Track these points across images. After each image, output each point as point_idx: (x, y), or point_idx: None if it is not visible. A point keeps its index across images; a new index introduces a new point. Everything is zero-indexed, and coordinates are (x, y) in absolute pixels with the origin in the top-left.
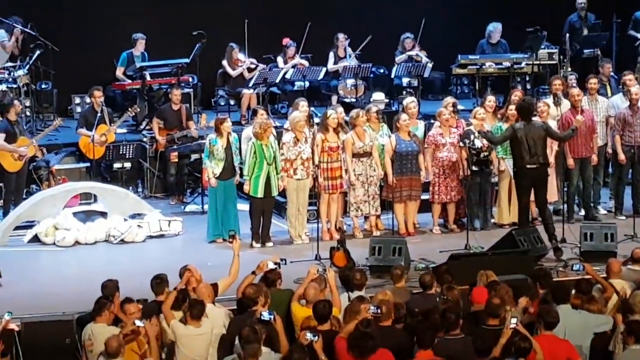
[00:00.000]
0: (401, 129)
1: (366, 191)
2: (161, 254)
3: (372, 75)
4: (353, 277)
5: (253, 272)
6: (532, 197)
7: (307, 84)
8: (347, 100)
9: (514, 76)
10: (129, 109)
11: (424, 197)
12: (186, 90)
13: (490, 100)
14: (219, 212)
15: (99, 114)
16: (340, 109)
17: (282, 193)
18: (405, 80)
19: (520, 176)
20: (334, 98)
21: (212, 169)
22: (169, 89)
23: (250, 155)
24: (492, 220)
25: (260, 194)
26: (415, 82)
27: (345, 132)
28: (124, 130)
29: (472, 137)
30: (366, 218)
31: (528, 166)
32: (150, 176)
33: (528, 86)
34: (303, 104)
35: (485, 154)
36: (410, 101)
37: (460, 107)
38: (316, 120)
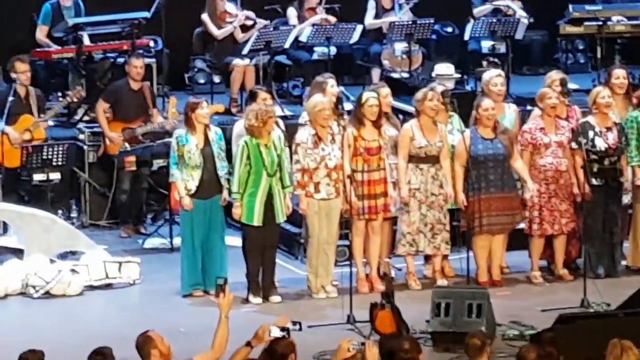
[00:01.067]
0: (481, 120)
1: (426, 217)
2: (107, 315)
3: (434, 37)
4: (400, 350)
5: (248, 343)
6: None
7: (333, 50)
8: (395, 75)
9: None
10: (69, 93)
11: (520, 226)
12: (146, 60)
13: (620, 75)
14: (196, 248)
15: (14, 98)
16: (386, 90)
17: (295, 220)
18: (486, 45)
19: None
20: (375, 72)
21: (185, 182)
22: (123, 58)
23: (241, 162)
24: (624, 263)
25: (257, 221)
26: (502, 48)
27: (393, 124)
28: (50, 123)
29: (591, 133)
30: (427, 258)
31: None
32: (91, 194)
33: None
34: (328, 82)
35: (613, 159)
36: (494, 76)
37: (572, 86)
38: (348, 107)
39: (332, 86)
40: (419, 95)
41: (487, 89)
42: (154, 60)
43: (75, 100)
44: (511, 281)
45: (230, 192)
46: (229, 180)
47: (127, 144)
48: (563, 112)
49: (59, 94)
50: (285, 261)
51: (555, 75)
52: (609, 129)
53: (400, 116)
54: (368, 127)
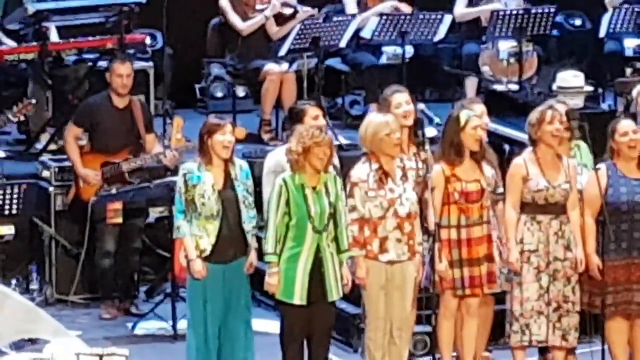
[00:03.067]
0: (620, 150)
1: (548, 291)
2: None
3: (556, 33)
4: None
5: None
6: None
7: (410, 51)
8: (499, 86)
9: None
10: (14, 108)
11: None
12: (140, 64)
13: None
14: (210, 336)
15: None
16: (480, 107)
17: (353, 295)
18: (632, 44)
19: None
20: (471, 83)
21: (196, 239)
22: (107, 61)
23: (277, 209)
24: None
25: (300, 299)
26: None
27: (487, 160)
28: (0, 154)
29: None
30: (543, 352)
31: None
32: (59, 256)
33: None
34: (399, 97)
35: None
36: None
37: None
38: (430, 132)
39: (399, 102)
40: (534, 116)
41: (633, 107)
42: (151, 64)
43: (20, 118)
44: None
45: (261, 255)
46: (258, 238)
47: (109, 186)
48: None
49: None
50: (340, 355)
51: None
52: None
53: (506, 147)
54: (466, 163)
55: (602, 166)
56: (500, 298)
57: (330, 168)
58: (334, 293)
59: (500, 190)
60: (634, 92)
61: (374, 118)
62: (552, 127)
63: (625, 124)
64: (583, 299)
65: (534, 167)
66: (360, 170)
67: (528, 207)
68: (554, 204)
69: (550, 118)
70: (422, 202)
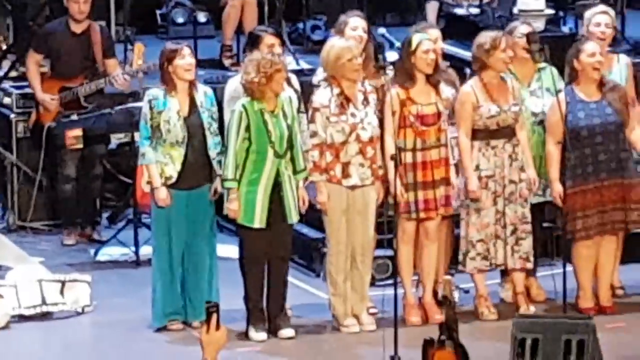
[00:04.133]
0: (583, 72)
1: (505, 215)
2: (43, 357)
3: None
4: None
5: None
6: None
7: None
8: (459, 10)
9: None
10: None
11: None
12: None
13: None
14: (175, 262)
15: None
16: (435, 32)
17: (314, 219)
18: None
19: None
20: (432, 7)
21: (161, 166)
22: None
23: (238, 135)
24: None
25: (260, 222)
26: None
27: (448, 81)
28: None
29: None
30: (505, 275)
31: None
32: (21, 183)
33: None
34: (354, 22)
35: None
36: (599, 12)
37: None
38: (391, 56)
39: (357, 25)
40: (484, 40)
41: (589, 30)
42: None
43: None
44: (627, 307)
45: (223, 180)
46: (222, 163)
47: (67, 111)
48: None
49: None
50: (301, 279)
51: None
52: None
53: (467, 70)
54: (420, 85)
55: (562, 91)
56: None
57: (286, 87)
58: (293, 215)
59: None
60: (587, 15)
61: (336, 42)
62: (504, 55)
63: (592, 46)
64: (556, 223)
65: (482, 93)
66: (322, 96)
67: (481, 133)
68: (506, 128)
69: (504, 45)
70: (381, 126)
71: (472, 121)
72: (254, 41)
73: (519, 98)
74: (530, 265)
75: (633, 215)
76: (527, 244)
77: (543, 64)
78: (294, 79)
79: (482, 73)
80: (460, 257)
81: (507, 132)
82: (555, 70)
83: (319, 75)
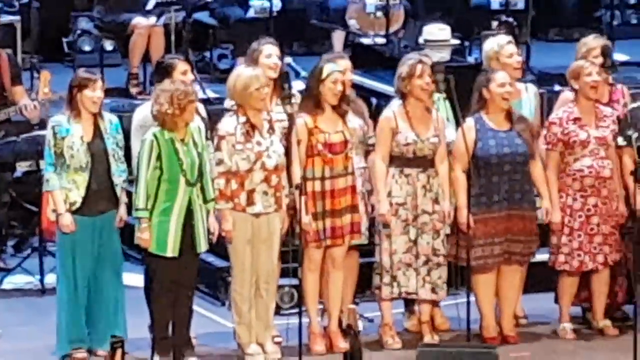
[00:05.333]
0: (492, 101)
1: (416, 244)
2: None
3: None
4: None
5: None
6: None
7: (277, 4)
8: (366, 40)
9: None
10: None
11: (540, 258)
12: (7, 17)
13: None
14: (79, 290)
15: None
16: (344, 62)
17: (219, 248)
18: None
19: None
20: (338, 36)
21: (65, 192)
22: None
23: (149, 164)
24: None
25: (172, 251)
26: (519, 2)
27: (356, 112)
28: None
29: None
30: (408, 304)
31: None
32: None
33: None
34: (268, 49)
35: None
36: (507, 43)
37: (619, 57)
38: (298, 85)
39: (268, 53)
40: (403, 70)
41: (495, 62)
42: (18, 18)
43: None
44: (531, 337)
45: (131, 209)
46: (128, 192)
47: None
48: (605, 95)
49: None
50: (207, 308)
51: (593, 41)
52: None
53: (373, 100)
54: (328, 114)
55: (470, 120)
56: (367, 251)
57: (196, 120)
58: (202, 244)
59: (372, 141)
60: (487, 45)
61: (244, 71)
62: (422, 81)
63: (502, 75)
64: (450, 251)
65: (403, 120)
66: (228, 124)
67: (397, 160)
68: (423, 158)
69: (420, 72)
70: (287, 154)
71: (389, 147)
72: (165, 70)
73: (441, 131)
74: (437, 297)
75: (532, 247)
76: (437, 275)
77: (437, 95)
78: (201, 108)
79: (405, 101)
80: (376, 283)
81: (422, 162)
82: (444, 100)
83: (230, 101)
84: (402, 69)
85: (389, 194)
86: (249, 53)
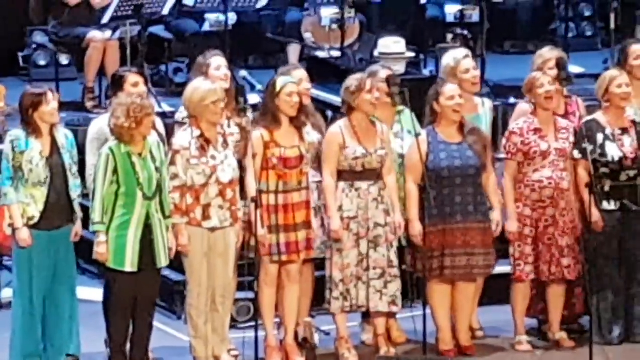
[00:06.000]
0: (443, 115)
1: (369, 257)
2: None
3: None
4: None
5: None
6: None
7: (233, 18)
8: (321, 53)
9: None
10: None
11: (496, 270)
12: None
13: None
14: (35, 304)
15: None
16: (300, 73)
17: (175, 263)
18: (452, 11)
19: None
20: (294, 50)
21: (23, 207)
22: None
23: (105, 179)
24: None
25: (131, 266)
26: (474, 14)
27: (315, 125)
28: None
29: (600, 137)
30: (365, 317)
31: None
32: None
33: None
34: (216, 61)
35: (632, 173)
36: (461, 56)
37: (574, 69)
38: (253, 99)
39: (220, 67)
40: (351, 84)
41: (452, 76)
42: None
43: None
44: (487, 349)
45: (86, 223)
46: (84, 206)
47: None
48: (560, 107)
49: None
50: (163, 322)
51: (548, 53)
52: (625, 130)
53: (329, 113)
54: (285, 128)
55: (423, 132)
56: (323, 264)
57: (153, 135)
58: (162, 259)
59: None
60: (446, 59)
61: (202, 84)
62: (370, 96)
63: (451, 88)
64: (417, 266)
65: (349, 135)
66: (182, 138)
67: (346, 175)
68: (372, 171)
69: (368, 86)
70: (241, 168)
71: (337, 162)
72: (117, 82)
73: (387, 142)
74: (396, 309)
75: (491, 260)
76: (394, 288)
77: (401, 107)
78: (158, 123)
79: (351, 115)
80: (327, 297)
81: (372, 175)
82: (411, 113)
83: (183, 112)
84: (351, 83)
85: (340, 208)
86: (196, 68)
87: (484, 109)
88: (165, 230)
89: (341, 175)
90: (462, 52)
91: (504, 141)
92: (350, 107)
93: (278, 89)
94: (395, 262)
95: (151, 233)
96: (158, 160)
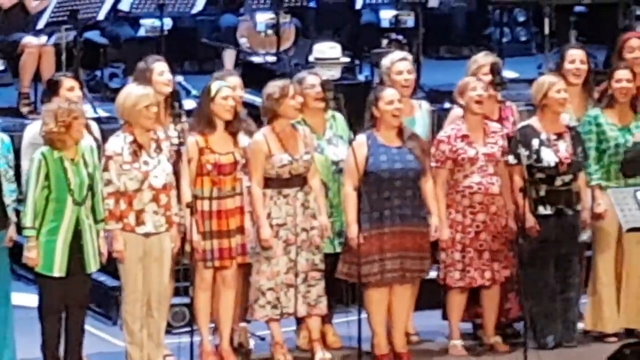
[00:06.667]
0: (383, 118)
1: (297, 263)
2: None
3: (313, 5)
4: None
5: None
6: None
7: (168, 23)
8: (256, 58)
9: (627, 4)
10: None
11: (434, 275)
12: None
13: (576, 59)
14: None
15: None
16: (234, 79)
17: (110, 268)
18: (387, 16)
19: None
20: (229, 55)
21: None
22: None
23: (37, 183)
24: (581, 326)
25: (59, 271)
26: (409, 20)
27: (247, 131)
28: None
29: (535, 142)
30: (300, 322)
31: None
32: None
33: None
34: (159, 67)
35: (567, 178)
36: (398, 60)
37: (508, 74)
38: (188, 104)
39: (159, 72)
40: (274, 90)
41: (387, 78)
42: None
43: None
44: (422, 353)
45: (21, 227)
46: (19, 211)
47: None
48: (494, 112)
49: None
50: (98, 327)
51: (482, 59)
52: (560, 135)
53: (264, 118)
54: (219, 133)
55: (361, 136)
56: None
57: (86, 135)
58: (92, 264)
59: None
60: (385, 62)
61: (134, 89)
62: (294, 102)
63: (390, 93)
64: (342, 269)
65: (274, 142)
66: (115, 144)
67: (273, 182)
68: (298, 176)
69: (292, 92)
70: (177, 173)
71: (264, 170)
72: (52, 88)
73: (311, 146)
74: (319, 311)
75: (426, 264)
76: (316, 290)
77: (332, 112)
78: (94, 127)
79: (274, 122)
80: (250, 304)
81: (299, 181)
82: (344, 118)
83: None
84: (274, 90)
85: (269, 216)
86: (138, 74)
87: (421, 111)
88: (95, 236)
89: (268, 183)
90: (401, 54)
91: (432, 150)
92: (274, 114)
93: (213, 93)
94: (320, 265)
95: (81, 238)
96: (91, 166)
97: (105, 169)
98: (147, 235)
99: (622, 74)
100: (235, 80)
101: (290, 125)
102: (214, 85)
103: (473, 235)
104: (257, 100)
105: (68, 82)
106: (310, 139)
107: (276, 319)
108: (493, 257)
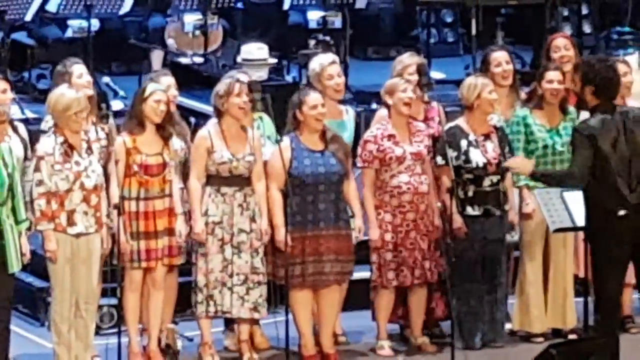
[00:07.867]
0: (306, 122)
1: (233, 263)
2: None
3: (240, 6)
4: None
5: None
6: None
7: (96, 24)
8: (184, 59)
9: (554, 5)
10: None
11: (358, 276)
12: None
13: (500, 61)
14: None
15: None
16: (167, 79)
17: (38, 268)
18: (315, 17)
19: (606, 233)
20: (157, 56)
21: None
22: None
23: None
24: (508, 327)
25: None
26: (337, 21)
27: (178, 133)
28: None
29: (464, 143)
30: (228, 323)
31: (622, 212)
32: None
33: (588, 29)
34: (77, 69)
35: (495, 178)
36: (327, 62)
37: (435, 74)
38: (116, 105)
39: (81, 75)
40: (220, 87)
41: (317, 81)
42: None
43: None
44: (349, 354)
45: None
46: None
47: None
48: (420, 113)
49: None
50: (26, 328)
51: (408, 59)
52: (487, 136)
53: (192, 119)
54: (149, 135)
55: (286, 139)
56: (186, 270)
57: (12, 135)
58: (14, 264)
59: None
60: (312, 65)
61: (66, 93)
62: (239, 100)
63: (314, 97)
64: (267, 269)
65: (218, 139)
66: (46, 144)
67: (213, 179)
68: (239, 176)
69: (237, 90)
70: (106, 174)
71: (204, 165)
72: None
73: (258, 149)
74: (258, 315)
75: (348, 266)
76: (256, 294)
77: (259, 113)
78: (21, 128)
79: (221, 120)
80: (192, 301)
81: (239, 181)
82: (271, 119)
83: (49, 121)
84: (220, 87)
85: (206, 213)
86: (57, 77)
87: (349, 115)
88: (17, 236)
89: (208, 180)
90: (329, 57)
91: (359, 150)
92: (220, 111)
93: (147, 94)
94: (261, 268)
95: (2, 238)
96: (10, 166)
97: (37, 169)
98: (77, 235)
99: (553, 75)
100: (170, 80)
101: (238, 125)
102: (149, 87)
103: (404, 235)
104: (184, 101)
105: (0, 84)
106: (259, 142)
107: (211, 317)
108: (423, 255)
